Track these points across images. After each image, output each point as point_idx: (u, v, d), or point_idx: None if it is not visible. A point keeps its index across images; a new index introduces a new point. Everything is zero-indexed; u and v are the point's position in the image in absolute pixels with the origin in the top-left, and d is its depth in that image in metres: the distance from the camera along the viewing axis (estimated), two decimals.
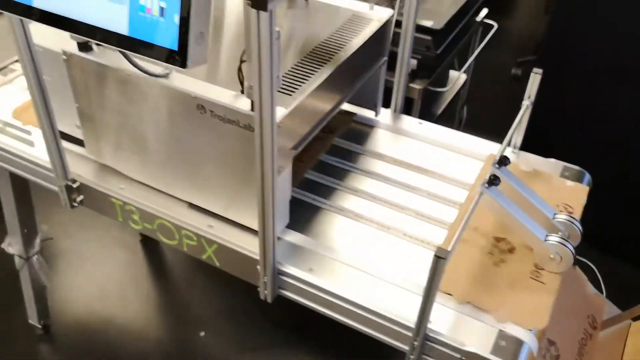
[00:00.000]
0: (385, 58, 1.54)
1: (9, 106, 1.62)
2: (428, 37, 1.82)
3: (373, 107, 1.63)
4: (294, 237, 1.30)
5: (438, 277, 0.99)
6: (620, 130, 2.18)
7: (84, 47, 1.25)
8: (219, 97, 1.15)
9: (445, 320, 1.13)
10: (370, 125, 1.63)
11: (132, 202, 1.36)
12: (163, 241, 1.38)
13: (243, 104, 1.13)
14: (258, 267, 1.23)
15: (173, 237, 1.35)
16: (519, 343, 1.10)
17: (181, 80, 1.19)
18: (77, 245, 2.43)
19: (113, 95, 1.27)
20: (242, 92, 1.15)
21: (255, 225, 1.26)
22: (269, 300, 1.27)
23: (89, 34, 0.95)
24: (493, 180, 1.19)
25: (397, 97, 1.64)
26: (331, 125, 1.54)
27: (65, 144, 1.39)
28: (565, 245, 1.20)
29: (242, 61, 1.14)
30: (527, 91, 1.44)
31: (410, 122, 1.64)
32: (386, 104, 1.65)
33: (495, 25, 2.20)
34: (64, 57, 1.27)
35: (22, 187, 1.79)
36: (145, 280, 2.35)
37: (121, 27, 0.92)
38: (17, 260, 1.93)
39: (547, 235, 1.22)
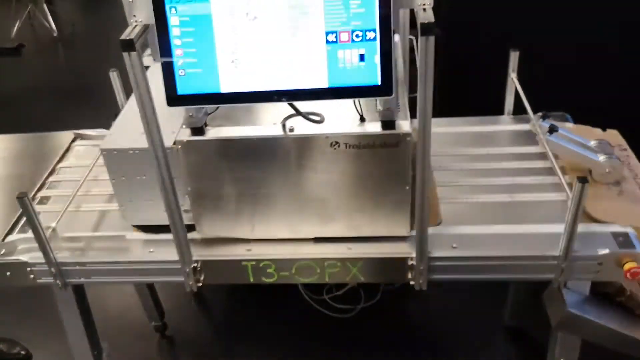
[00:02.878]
0: None
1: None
2: None
3: None
4: None
5: (583, 201, 1.28)
6: None
7: (198, 131, 1.35)
8: (349, 129, 1.33)
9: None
10: None
11: (267, 257, 1.46)
12: (301, 282, 1.50)
13: (373, 127, 1.33)
14: (410, 262, 1.42)
15: (313, 273, 1.48)
16: (627, 234, 1.43)
17: (303, 126, 1.34)
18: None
19: (234, 166, 1.38)
20: (361, 119, 1.35)
21: (390, 231, 1.45)
22: (424, 287, 1.46)
23: (287, 97, 1.10)
24: (553, 129, 1.52)
25: None
26: None
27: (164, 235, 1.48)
28: (613, 158, 1.57)
29: None
30: (510, 67, 1.83)
31: None
32: None
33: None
34: (179, 146, 1.35)
35: (84, 305, 1.74)
36: None
37: (321, 82, 1.08)
38: None
39: (598, 156, 1.58)
